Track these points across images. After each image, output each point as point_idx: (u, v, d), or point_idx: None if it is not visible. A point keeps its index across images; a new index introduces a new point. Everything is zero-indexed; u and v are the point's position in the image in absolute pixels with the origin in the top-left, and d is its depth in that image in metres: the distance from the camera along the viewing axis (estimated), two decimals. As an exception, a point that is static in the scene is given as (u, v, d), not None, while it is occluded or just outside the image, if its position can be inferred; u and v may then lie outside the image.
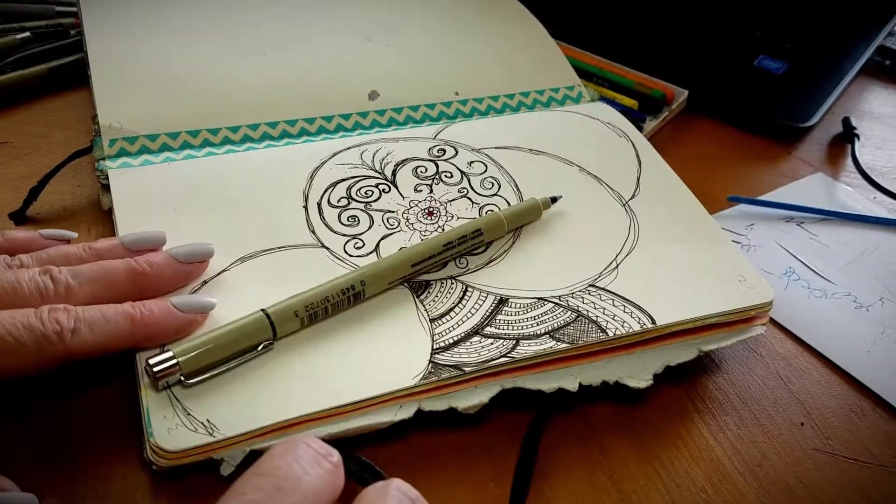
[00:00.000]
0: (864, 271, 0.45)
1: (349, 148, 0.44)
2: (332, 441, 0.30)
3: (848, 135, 0.57)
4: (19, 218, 0.42)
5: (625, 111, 0.53)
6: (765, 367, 0.39)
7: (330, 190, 0.41)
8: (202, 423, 0.29)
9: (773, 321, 0.41)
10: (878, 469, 0.34)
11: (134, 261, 0.33)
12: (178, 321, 0.32)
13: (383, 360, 0.33)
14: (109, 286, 0.33)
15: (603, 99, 0.54)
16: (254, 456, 0.30)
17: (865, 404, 0.37)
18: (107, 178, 0.40)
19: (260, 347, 0.32)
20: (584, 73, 0.56)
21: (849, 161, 0.55)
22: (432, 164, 0.44)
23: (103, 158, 0.42)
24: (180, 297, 0.33)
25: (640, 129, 0.52)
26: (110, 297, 0.32)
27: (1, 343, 0.28)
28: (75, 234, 0.37)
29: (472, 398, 0.33)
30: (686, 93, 0.57)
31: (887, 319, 0.42)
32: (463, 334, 0.35)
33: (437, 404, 0.32)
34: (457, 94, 0.50)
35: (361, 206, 0.40)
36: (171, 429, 0.29)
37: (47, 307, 0.29)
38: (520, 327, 0.35)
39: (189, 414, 0.30)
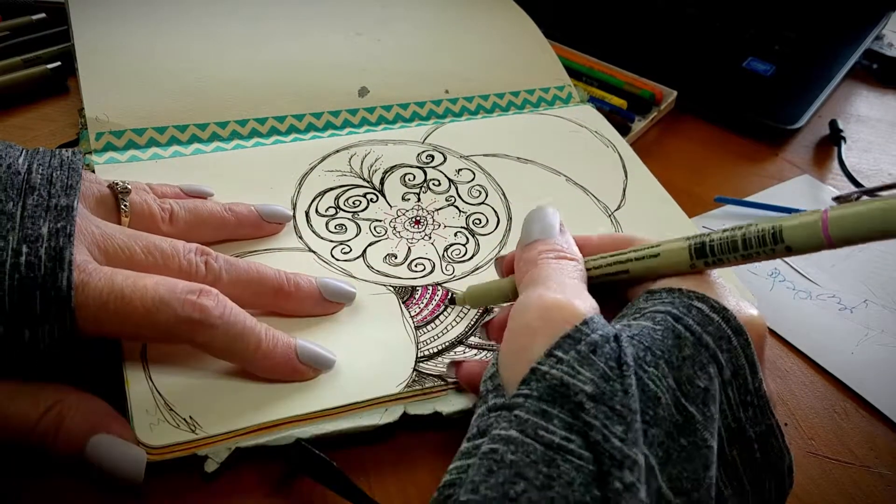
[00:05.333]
0: (848, 273, 0.45)
1: (338, 150, 0.44)
2: (318, 441, 0.30)
3: (835, 137, 0.57)
4: (3, 211, 0.42)
5: (614, 111, 0.53)
6: (750, 367, 0.39)
7: (318, 199, 0.41)
8: (185, 420, 0.29)
9: (758, 322, 0.41)
10: (860, 469, 0.34)
11: (285, 278, 0.33)
12: (291, 370, 0.31)
13: (368, 365, 0.33)
14: (255, 293, 0.33)
15: (592, 98, 0.54)
16: (239, 453, 0.30)
17: (848, 405, 0.37)
18: (93, 172, 0.40)
19: None
20: (574, 73, 0.56)
21: (835, 163, 0.55)
22: (420, 172, 0.44)
23: (90, 152, 0.41)
24: (306, 347, 0.32)
25: (629, 128, 0.53)
26: (249, 301, 0.32)
27: (127, 306, 0.28)
28: (213, 192, 0.39)
29: (456, 403, 0.33)
30: (675, 93, 0.57)
31: (871, 321, 0.42)
32: (447, 343, 0.35)
33: (423, 408, 0.32)
34: (447, 91, 0.50)
35: (349, 215, 0.40)
36: (153, 424, 0.29)
37: (199, 289, 0.29)
38: None
39: (172, 409, 0.29)
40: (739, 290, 0.38)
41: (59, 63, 0.52)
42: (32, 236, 0.27)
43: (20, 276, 0.26)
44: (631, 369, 0.24)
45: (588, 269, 0.30)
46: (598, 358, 0.24)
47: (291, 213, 0.39)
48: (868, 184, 0.52)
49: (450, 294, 0.36)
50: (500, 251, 0.40)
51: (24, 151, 0.31)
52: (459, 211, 0.42)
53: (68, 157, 0.31)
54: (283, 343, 0.31)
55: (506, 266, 0.33)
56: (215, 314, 0.29)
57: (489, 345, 0.35)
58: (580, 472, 0.22)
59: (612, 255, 0.30)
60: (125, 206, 0.33)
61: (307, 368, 0.31)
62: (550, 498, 0.21)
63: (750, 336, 0.26)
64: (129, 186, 0.34)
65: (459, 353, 0.34)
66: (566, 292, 0.27)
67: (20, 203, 0.28)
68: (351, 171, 0.43)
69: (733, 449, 0.26)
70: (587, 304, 0.27)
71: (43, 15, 0.57)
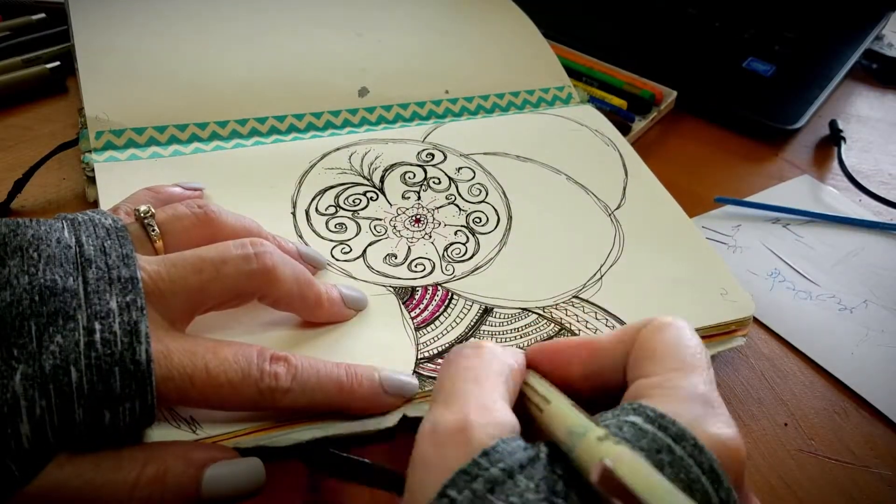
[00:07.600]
0: (848, 273, 0.45)
1: (338, 149, 0.44)
2: (316, 443, 0.30)
3: (834, 137, 0.57)
4: (3, 210, 0.42)
5: (614, 111, 0.53)
6: (750, 367, 0.39)
7: (318, 198, 0.41)
8: (185, 420, 0.29)
9: (758, 323, 0.41)
10: (860, 469, 0.34)
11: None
12: (379, 402, 0.31)
13: None
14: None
15: (593, 99, 0.54)
16: (238, 453, 0.30)
17: (848, 405, 0.37)
18: (92, 170, 0.40)
19: None
20: (574, 73, 0.56)
21: (835, 163, 0.55)
22: (420, 170, 0.44)
23: (89, 151, 0.41)
24: (389, 377, 0.31)
25: (629, 129, 0.53)
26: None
27: (214, 381, 0.27)
28: (203, 186, 0.39)
29: None
30: (675, 93, 0.57)
31: (871, 321, 0.42)
32: (447, 344, 0.35)
33: (422, 410, 0.32)
34: (447, 91, 0.50)
35: (349, 214, 0.40)
36: (154, 424, 0.29)
37: (270, 354, 0.29)
38: (503, 339, 0.35)
39: (172, 409, 0.29)
40: (738, 290, 0.38)
41: (58, 63, 0.52)
42: (102, 312, 0.26)
43: (96, 354, 0.25)
44: None
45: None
46: (497, 497, 0.20)
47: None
48: (868, 184, 0.52)
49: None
50: (500, 250, 0.40)
51: (63, 223, 0.29)
52: (460, 209, 0.42)
53: (111, 224, 0.30)
54: (366, 376, 0.31)
55: None
56: (289, 376, 0.29)
57: None
58: None
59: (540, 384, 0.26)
60: (154, 231, 0.31)
61: (393, 400, 0.31)
62: None
63: (715, 456, 0.22)
64: (150, 209, 0.32)
65: None
66: (468, 410, 0.23)
67: (79, 278, 0.27)
68: (351, 169, 0.43)
69: None
70: (491, 424, 0.22)
71: (43, 15, 0.57)
